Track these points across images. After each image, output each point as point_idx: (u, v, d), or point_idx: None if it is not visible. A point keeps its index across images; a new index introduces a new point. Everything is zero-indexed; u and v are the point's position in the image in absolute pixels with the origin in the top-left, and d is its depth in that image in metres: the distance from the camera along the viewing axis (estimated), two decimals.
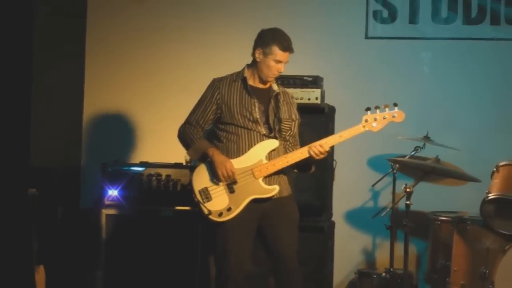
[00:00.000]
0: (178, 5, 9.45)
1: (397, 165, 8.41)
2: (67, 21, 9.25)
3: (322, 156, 6.93)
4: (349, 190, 9.14)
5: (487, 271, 7.85)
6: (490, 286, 7.73)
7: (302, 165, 7.11)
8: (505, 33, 9.10)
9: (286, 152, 7.12)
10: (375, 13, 9.29)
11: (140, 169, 8.40)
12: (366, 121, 6.99)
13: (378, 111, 6.99)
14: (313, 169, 7.30)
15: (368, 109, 6.99)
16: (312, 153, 6.87)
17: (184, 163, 8.22)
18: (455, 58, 9.23)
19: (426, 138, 8.37)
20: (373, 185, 8.95)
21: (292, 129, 7.23)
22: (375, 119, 6.98)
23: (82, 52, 9.50)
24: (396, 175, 8.46)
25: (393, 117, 7.01)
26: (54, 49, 8.95)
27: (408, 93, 9.02)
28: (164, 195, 8.31)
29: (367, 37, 9.31)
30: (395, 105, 7.00)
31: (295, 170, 7.24)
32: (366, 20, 9.29)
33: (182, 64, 9.41)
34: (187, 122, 7.16)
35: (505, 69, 9.13)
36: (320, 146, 6.88)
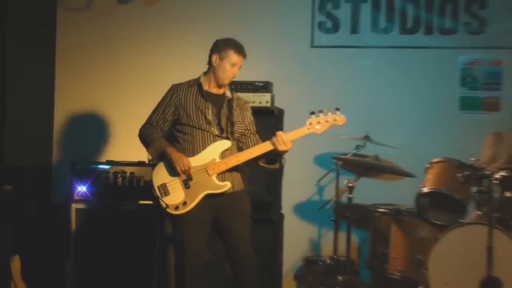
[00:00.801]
0: (141, 17, 9.46)
1: (340, 162, 8.48)
2: (38, 29, 9.27)
3: (285, 147, 6.96)
4: (297, 185, 9.20)
5: (422, 258, 7.95)
6: (424, 271, 7.80)
7: (269, 162, 7.22)
8: (438, 42, 9.22)
9: (240, 150, 7.19)
10: (319, 24, 9.37)
11: (106, 167, 8.35)
12: (311, 124, 7.04)
13: (321, 114, 7.06)
14: (278, 165, 7.37)
15: (312, 113, 7.05)
16: (277, 142, 6.91)
17: (147, 162, 8.18)
18: (393, 65, 9.33)
19: (366, 137, 8.43)
20: (318, 181, 9.02)
21: (250, 128, 7.34)
22: (319, 122, 7.04)
23: (53, 57, 9.49)
24: (339, 171, 8.54)
25: (335, 120, 7.08)
26: (26, 55, 9.00)
27: (350, 97, 9.12)
28: (129, 190, 8.29)
29: (312, 46, 9.39)
30: (337, 109, 7.08)
31: (266, 166, 7.29)
32: (311, 31, 9.37)
33: (144, 71, 9.42)
34: (148, 122, 7.21)
35: (438, 75, 9.26)
36: (286, 136, 6.95)
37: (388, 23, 9.34)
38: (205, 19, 9.35)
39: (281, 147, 6.96)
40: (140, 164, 8.39)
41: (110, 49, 9.55)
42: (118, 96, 9.50)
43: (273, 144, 6.98)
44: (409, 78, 9.34)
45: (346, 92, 9.21)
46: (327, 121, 7.08)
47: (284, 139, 6.94)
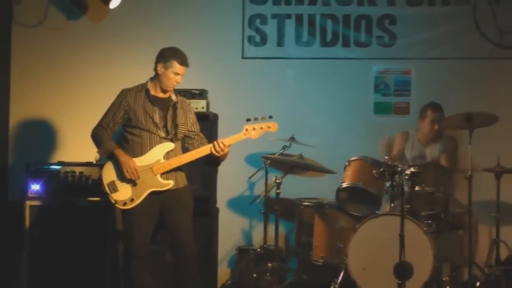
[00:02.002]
0: (89, 32, 9.39)
1: (269, 161, 8.53)
2: None
3: (223, 152, 7.08)
4: (230, 182, 9.21)
5: (342, 246, 8.09)
6: (344, 258, 7.91)
7: (211, 161, 7.28)
8: (354, 54, 9.29)
9: (186, 151, 7.25)
10: (249, 38, 9.39)
11: (58, 167, 8.30)
12: (247, 130, 7.18)
13: (256, 122, 7.17)
14: (220, 160, 7.36)
15: (248, 120, 7.17)
16: (215, 149, 7.03)
17: (94, 162, 8.19)
18: (314, 74, 9.38)
19: (292, 139, 8.47)
20: (249, 178, 9.07)
21: (193, 129, 7.39)
22: (254, 129, 7.19)
23: (8, 68, 9.40)
24: (268, 169, 8.60)
25: (268, 127, 7.22)
26: None
27: (277, 102, 9.16)
28: (78, 188, 8.23)
29: (243, 57, 9.40)
30: (271, 117, 7.20)
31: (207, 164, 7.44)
32: (242, 44, 9.38)
33: (91, 81, 9.35)
34: (99, 124, 7.22)
35: (354, 82, 9.33)
36: (221, 145, 7.05)
37: (310, 37, 9.38)
38: (146, 34, 9.30)
39: (218, 153, 7.08)
40: (88, 164, 8.35)
41: (60, 61, 9.47)
42: (68, 103, 9.41)
43: (212, 149, 7.06)
44: (329, 85, 9.39)
45: (273, 98, 9.24)
46: (261, 128, 7.22)
47: (222, 147, 7.07)
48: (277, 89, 9.39)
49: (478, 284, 8.20)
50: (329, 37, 9.36)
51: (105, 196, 7.19)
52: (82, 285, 8.14)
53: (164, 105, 7.26)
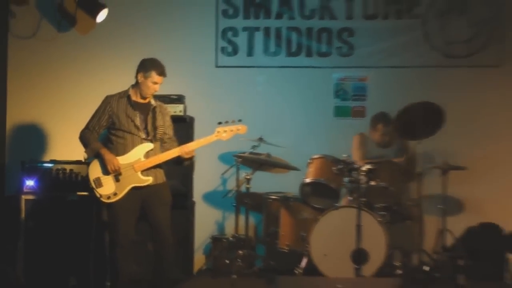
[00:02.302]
0: (77, 43, 9.39)
1: (240, 159, 8.52)
2: None
3: (189, 155, 7.20)
4: (205, 178, 9.18)
5: (305, 235, 8.06)
6: (307, 245, 7.91)
7: (177, 161, 7.32)
8: (316, 63, 9.31)
9: (162, 151, 7.28)
10: (222, 48, 9.38)
11: (50, 165, 8.27)
12: (218, 132, 7.27)
13: (227, 124, 7.26)
14: (185, 163, 7.49)
15: (220, 123, 7.25)
16: (183, 153, 7.13)
17: (83, 160, 8.11)
18: (281, 81, 9.38)
19: (260, 139, 8.52)
20: (222, 174, 9.05)
21: (167, 132, 7.41)
22: (225, 131, 7.28)
23: (5, 75, 9.39)
24: (239, 166, 8.60)
25: (238, 130, 7.33)
26: None
27: (247, 106, 9.16)
28: (68, 184, 8.21)
29: (217, 66, 9.38)
30: (240, 120, 7.31)
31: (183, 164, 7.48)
32: (216, 54, 9.37)
33: (80, 86, 9.36)
34: (86, 127, 7.28)
35: (317, 88, 9.35)
36: (187, 147, 7.14)
37: (276, 48, 9.38)
38: (129, 45, 9.27)
39: (185, 156, 7.22)
40: (78, 162, 8.28)
41: (52, 68, 9.44)
42: (59, 106, 9.39)
43: (180, 152, 7.18)
44: (294, 91, 9.38)
45: (244, 103, 9.22)
46: (231, 131, 7.32)
47: (187, 151, 7.20)
48: (247, 94, 9.37)
49: (426, 268, 8.22)
50: (294, 47, 9.37)
51: (91, 191, 7.21)
52: (71, 271, 8.09)
53: (145, 109, 7.31)
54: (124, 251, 7.22)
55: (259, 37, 9.39)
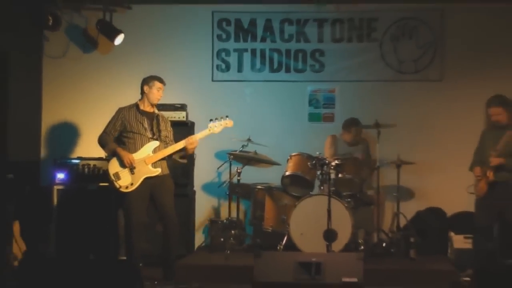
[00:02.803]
0: (99, 61, 9.31)
1: (232, 156, 8.50)
2: (32, 69, 9.24)
3: (192, 145, 7.20)
4: (204, 171, 9.06)
5: (286, 218, 8.06)
6: (287, 226, 7.90)
7: (181, 156, 7.35)
8: (293, 77, 9.25)
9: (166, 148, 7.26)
10: (217, 66, 9.30)
11: (77, 161, 8.27)
12: (210, 127, 7.28)
13: (217, 121, 7.29)
14: (186, 160, 7.61)
15: (211, 120, 7.29)
16: (188, 143, 7.13)
17: (104, 157, 8.11)
18: (265, 92, 9.31)
19: (249, 140, 8.48)
20: (218, 168, 8.98)
21: (169, 136, 7.41)
22: (215, 126, 7.29)
23: (40, 86, 9.35)
24: (231, 162, 8.55)
25: (226, 124, 7.33)
26: (25, 85, 9.02)
27: (238, 113, 8.59)
28: (92, 176, 8.21)
29: (213, 80, 9.30)
30: (227, 116, 7.33)
31: (179, 160, 7.47)
32: (212, 70, 9.29)
33: (102, 95, 9.20)
34: (104, 131, 7.32)
35: (294, 98, 9.27)
36: (192, 140, 7.15)
37: (261, 65, 9.30)
38: (141, 63, 9.11)
39: (190, 145, 7.17)
40: (100, 159, 8.25)
41: (78, 82, 9.32)
42: (84, 113, 9.26)
43: (185, 143, 7.16)
44: (276, 100, 9.32)
45: (235, 110, 8.75)
46: (221, 125, 7.32)
47: (192, 140, 7.17)
48: (238, 103, 9.26)
49: (384, 244, 8.25)
50: (275, 65, 9.30)
51: (111, 184, 7.19)
52: (94, 249, 8.05)
53: (150, 116, 7.37)
54: (137, 232, 7.19)
55: (247, 56, 9.33)
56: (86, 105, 9.31)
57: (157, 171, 7.18)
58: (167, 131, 7.43)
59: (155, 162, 7.18)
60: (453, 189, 8.56)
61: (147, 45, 9.34)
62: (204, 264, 7.93)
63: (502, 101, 7.36)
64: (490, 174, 7.23)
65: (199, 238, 9.03)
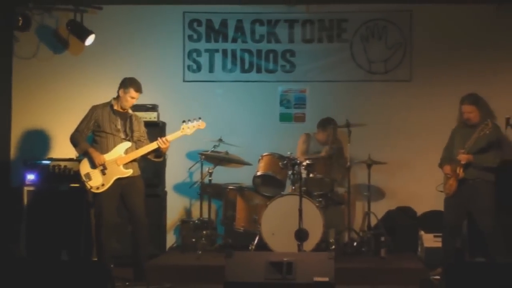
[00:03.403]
0: (70, 62, 9.22)
1: (203, 156, 8.45)
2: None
3: (165, 145, 7.12)
4: (175, 172, 9.01)
5: (257, 217, 8.07)
6: (259, 226, 7.89)
7: (156, 155, 7.30)
8: (265, 78, 9.24)
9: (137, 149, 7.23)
10: (188, 66, 9.25)
11: (47, 162, 8.24)
12: (183, 129, 7.24)
13: (190, 122, 7.24)
14: (162, 158, 7.52)
15: (184, 121, 7.23)
16: (160, 143, 7.08)
17: (75, 158, 8.07)
18: (236, 93, 9.29)
19: (220, 140, 8.45)
20: (189, 169, 8.94)
21: (143, 135, 7.39)
22: (188, 128, 7.24)
23: (10, 88, 9.24)
24: (202, 162, 8.51)
25: (199, 125, 7.29)
26: None
27: (209, 113, 8.62)
28: (63, 177, 8.16)
29: (184, 81, 9.26)
30: (199, 118, 7.28)
31: (154, 160, 7.42)
32: (183, 70, 9.25)
33: (73, 96, 9.09)
34: (76, 130, 7.25)
35: (265, 98, 9.26)
36: (164, 140, 7.10)
37: (232, 66, 9.28)
38: (112, 63, 9.11)
39: (162, 146, 7.09)
40: (71, 159, 8.23)
41: (49, 83, 9.24)
42: (55, 113, 9.15)
43: (158, 144, 7.10)
44: (247, 101, 9.30)
45: (206, 111, 8.74)
46: (194, 126, 7.28)
47: (164, 141, 7.10)
48: (209, 103, 9.23)
49: (355, 243, 8.25)
50: (246, 65, 9.28)
51: (82, 184, 7.17)
52: (65, 249, 8.02)
53: (124, 116, 7.30)
54: (107, 231, 7.17)
55: (218, 57, 9.31)
56: (56, 106, 9.21)
57: (129, 172, 7.14)
58: (140, 132, 7.38)
59: (127, 163, 7.15)
60: (423, 188, 8.63)
61: (118, 45, 9.27)
62: (176, 265, 7.88)
63: (475, 99, 7.41)
64: (460, 171, 7.27)
65: (170, 239, 8.98)
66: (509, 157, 7.79)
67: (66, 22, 9.04)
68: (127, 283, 7.05)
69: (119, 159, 7.11)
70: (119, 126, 7.20)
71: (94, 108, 7.27)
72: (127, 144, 7.20)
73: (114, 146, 7.16)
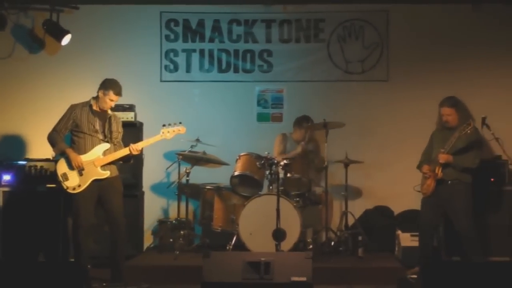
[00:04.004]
0: (46, 62, 9.16)
1: (181, 156, 8.42)
2: None
3: (137, 152, 7.12)
4: (153, 172, 8.97)
5: (235, 217, 8.04)
6: (237, 226, 7.87)
7: (125, 159, 7.23)
8: (242, 78, 9.25)
9: (115, 151, 7.18)
10: (165, 66, 9.24)
11: (23, 162, 8.21)
12: (163, 132, 7.21)
13: (170, 126, 7.22)
14: (132, 161, 7.45)
15: (164, 125, 7.20)
16: (132, 150, 7.05)
17: (51, 158, 8.04)
18: (213, 93, 9.27)
19: (197, 140, 8.42)
20: (167, 169, 8.88)
21: (119, 138, 7.33)
22: (168, 132, 7.22)
23: None
24: (180, 162, 8.48)
25: (179, 130, 7.28)
26: None
27: (186, 113, 8.87)
28: (39, 178, 8.14)
29: (161, 81, 9.22)
30: (180, 123, 7.26)
31: (121, 162, 7.30)
32: (160, 71, 9.22)
33: (49, 96, 9.06)
34: (54, 129, 7.18)
35: (243, 98, 9.26)
36: (136, 146, 7.07)
37: (210, 66, 9.27)
38: (88, 64, 9.08)
39: (133, 152, 7.12)
40: (47, 160, 8.21)
41: (25, 83, 9.18)
42: (31, 113, 9.10)
43: (129, 150, 7.10)
44: (224, 101, 9.29)
45: (184, 111, 8.99)
46: (174, 131, 7.26)
47: (135, 148, 7.10)
48: (186, 103, 9.23)
49: (332, 243, 8.25)
50: (224, 65, 9.27)
51: (59, 184, 7.10)
52: (42, 250, 8.00)
53: (103, 117, 7.23)
54: (84, 232, 7.11)
55: (195, 57, 9.29)
56: (32, 106, 9.14)
57: (106, 173, 7.09)
58: (118, 132, 7.34)
59: (104, 165, 7.12)
60: (400, 188, 8.66)
61: (94, 45, 9.22)
62: (153, 265, 7.84)
63: (454, 102, 7.47)
64: (439, 171, 7.30)
65: (148, 239, 8.95)
66: (485, 157, 7.85)
67: (42, 22, 8.98)
68: (104, 284, 7.02)
69: (96, 160, 7.06)
70: (97, 127, 7.12)
71: (72, 108, 7.20)
72: (106, 146, 7.14)
73: (92, 147, 7.09)
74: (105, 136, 7.16)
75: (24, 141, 9.10)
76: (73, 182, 7.02)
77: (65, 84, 9.12)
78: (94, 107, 7.19)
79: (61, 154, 7.13)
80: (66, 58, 9.17)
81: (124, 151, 7.15)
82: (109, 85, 7.16)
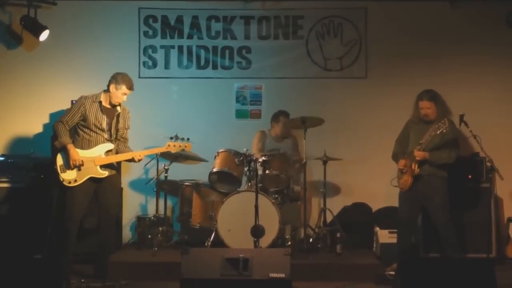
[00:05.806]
0: (24, 59, 9.10)
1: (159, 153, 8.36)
2: None
3: (140, 160, 7.32)
4: (131, 168, 8.90)
5: (213, 214, 8.06)
6: (215, 223, 7.88)
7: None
8: (221, 74, 9.24)
9: (119, 147, 7.29)
10: (144, 62, 9.20)
11: (1, 158, 8.12)
12: (169, 145, 7.45)
13: (177, 141, 7.52)
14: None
15: (171, 138, 7.54)
16: (135, 158, 7.21)
17: (30, 152, 8.03)
18: (192, 89, 9.27)
19: (176, 136, 8.15)
20: (145, 165, 8.85)
21: (125, 134, 7.40)
22: (174, 145, 7.49)
23: None
24: (158, 159, 8.52)
25: (185, 146, 7.55)
26: None
27: (165, 110, 9.05)
28: (17, 173, 8.05)
29: (140, 77, 9.10)
30: (188, 139, 7.51)
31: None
32: (138, 67, 9.17)
33: (27, 93, 8.99)
34: (60, 121, 7.15)
35: (222, 95, 9.24)
36: (139, 154, 7.21)
37: (188, 62, 9.25)
38: (67, 60, 9.05)
39: (136, 161, 7.31)
40: (25, 155, 8.16)
41: (2, 79, 9.10)
42: (8, 110, 9.02)
43: (133, 155, 7.23)
44: (203, 97, 9.29)
45: (162, 107, 9.13)
46: (180, 146, 7.50)
47: (138, 157, 7.26)
48: (165, 100, 9.23)
49: (311, 240, 8.30)
50: (202, 62, 9.26)
51: (55, 174, 7.11)
52: (31, 243, 7.95)
53: (111, 114, 7.27)
54: (76, 225, 7.17)
55: (174, 53, 9.27)
56: (9, 102, 9.08)
57: (104, 174, 7.17)
58: (125, 129, 7.38)
59: (105, 165, 7.17)
60: (378, 184, 8.73)
61: (72, 41, 9.16)
62: (132, 261, 7.84)
63: (433, 96, 7.52)
64: (415, 167, 7.36)
65: (126, 235, 8.92)
66: (462, 154, 7.91)
67: (20, 18, 8.90)
68: (82, 280, 7.00)
69: (97, 159, 7.11)
70: (104, 126, 7.17)
71: (82, 101, 7.19)
72: (109, 146, 7.21)
73: (96, 144, 7.16)
74: (110, 136, 7.22)
75: (2, 137, 9.01)
76: (70, 175, 7.08)
77: (42, 80, 9.08)
78: (104, 103, 7.22)
79: (62, 148, 7.14)
80: (44, 54, 9.11)
81: (126, 156, 7.25)
82: (121, 79, 7.21)
